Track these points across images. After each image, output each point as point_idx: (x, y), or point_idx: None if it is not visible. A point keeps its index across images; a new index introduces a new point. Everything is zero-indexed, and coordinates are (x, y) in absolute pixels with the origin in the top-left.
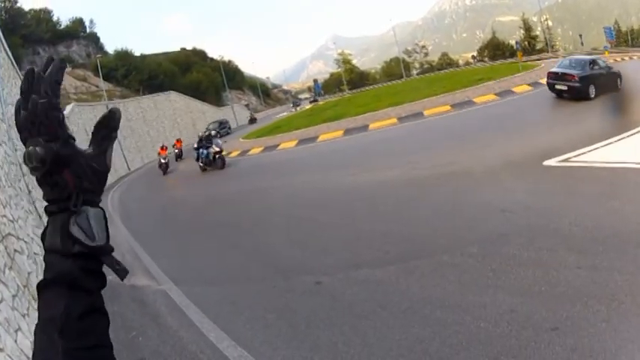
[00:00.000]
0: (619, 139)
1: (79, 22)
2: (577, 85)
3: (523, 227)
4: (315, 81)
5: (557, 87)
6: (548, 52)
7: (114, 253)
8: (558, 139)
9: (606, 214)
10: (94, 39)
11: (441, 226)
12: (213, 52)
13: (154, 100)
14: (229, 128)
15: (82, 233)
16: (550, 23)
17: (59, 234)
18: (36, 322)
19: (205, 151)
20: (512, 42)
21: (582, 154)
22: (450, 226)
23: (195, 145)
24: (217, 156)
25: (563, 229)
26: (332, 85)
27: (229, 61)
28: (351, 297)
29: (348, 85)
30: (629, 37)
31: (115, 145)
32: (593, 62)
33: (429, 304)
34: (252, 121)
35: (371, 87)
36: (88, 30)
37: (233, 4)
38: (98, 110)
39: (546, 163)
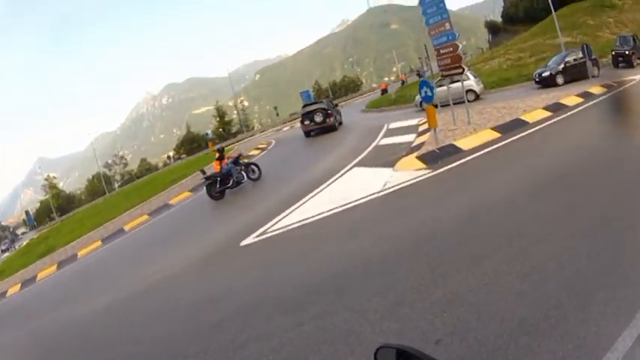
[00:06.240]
0: (307, 200)
1: None
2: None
3: (234, 311)
4: (27, 213)
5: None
6: (244, 132)
7: None
8: (251, 218)
9: (308, 266)
10: None
11: (152, 335)
12: None
13: None
14: None
15: None
16: (247, 104)
17: None
18: None
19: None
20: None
21: (278, 221)
22: (163, 331)
23: None
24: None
25: (270, 297)
26: (43, 214)
27: None
28: None
29: (58, 211)
30: (330, 92)
31: None
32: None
33: None
34: None
35: (77, 210)
36: None
37: None
38: None
39: (243, 242)
